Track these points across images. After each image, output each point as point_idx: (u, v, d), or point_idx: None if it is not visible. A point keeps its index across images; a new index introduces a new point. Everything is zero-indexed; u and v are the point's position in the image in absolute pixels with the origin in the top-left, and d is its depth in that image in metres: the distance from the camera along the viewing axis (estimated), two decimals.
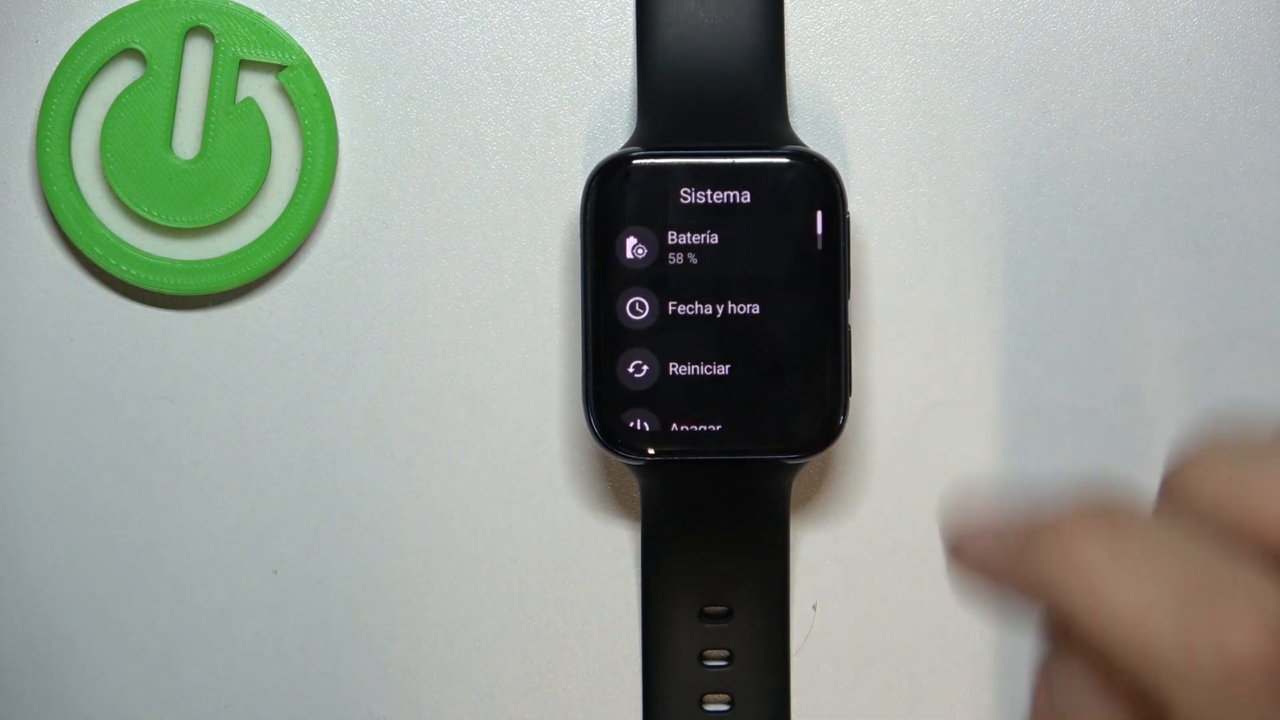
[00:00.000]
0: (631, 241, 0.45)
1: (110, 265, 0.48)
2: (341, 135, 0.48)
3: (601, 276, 0.45)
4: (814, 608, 0.49)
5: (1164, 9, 0.48)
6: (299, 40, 0.48)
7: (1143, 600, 0.33)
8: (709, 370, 0.45)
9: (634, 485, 0.48)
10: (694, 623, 0.47)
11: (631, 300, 0.45)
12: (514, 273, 0.49)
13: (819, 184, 0.45)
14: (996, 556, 0.35)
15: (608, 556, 0.49)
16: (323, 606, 0.49)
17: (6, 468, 0.49)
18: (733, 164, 0.45)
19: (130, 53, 0.48)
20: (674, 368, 0.45)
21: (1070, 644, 0.33)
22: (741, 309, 0.45)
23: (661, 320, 0.45)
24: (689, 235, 0.45)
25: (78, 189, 0.48)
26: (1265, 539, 0.33)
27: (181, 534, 0.49)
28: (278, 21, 0.48)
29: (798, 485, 0.48)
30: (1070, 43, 0.48)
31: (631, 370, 0.45)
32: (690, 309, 0.45)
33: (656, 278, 0.45)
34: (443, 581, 0.49)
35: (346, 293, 0.49)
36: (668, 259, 0.45)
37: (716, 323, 0.45)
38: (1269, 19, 0.48)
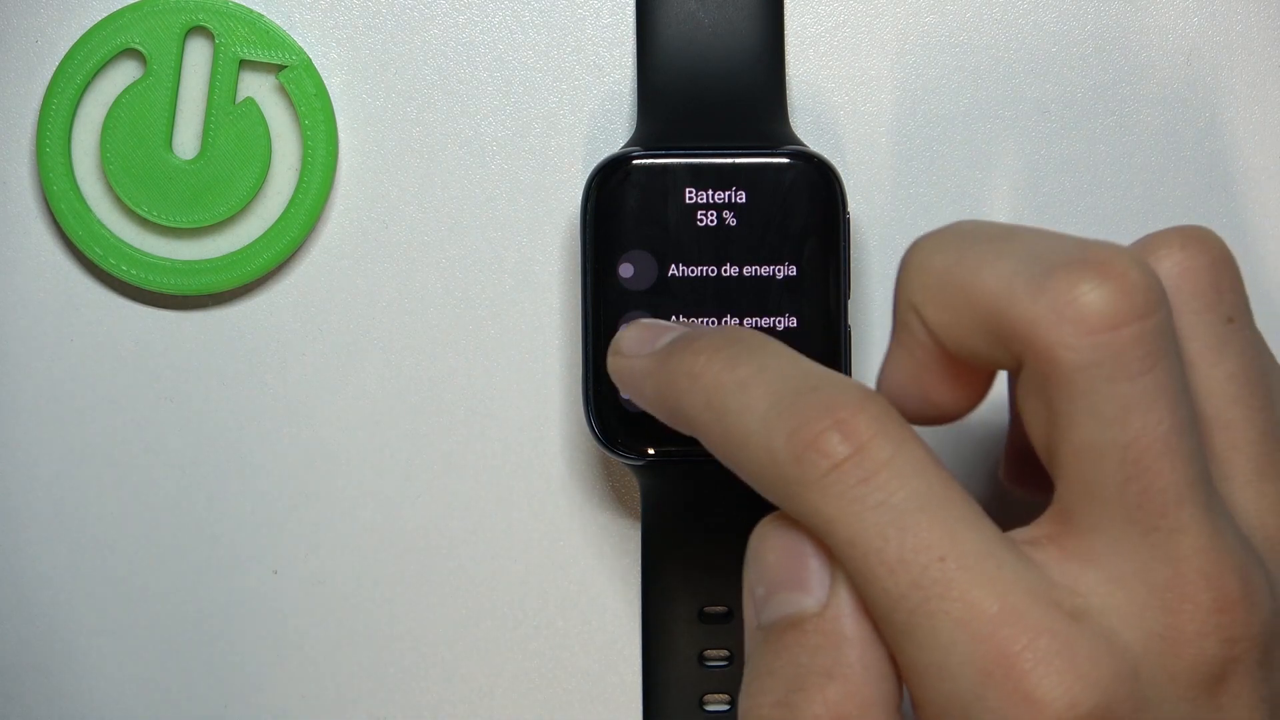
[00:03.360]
0: (633, 241, 0.45)
1: (110, 265, 0.48)
2: (341, 135, 0.48)
3: (602, 276, 0.45)
4: None
5: (1164, 9, 0.48)
6: (299, 40, 0.48)
7: (742, 413, 0.36)
8: None
9: (634, 485, 0.48)
10: (694, 623, 0.47)
11: (631, 303, 0.45)
12: (514, 273, 0.49)
13: (819, 184, 0.45)
14: (641, 361, 0.40)
15: (608, 557, 0.49)
16: (323, 606, 0.49)
17: (6, 468, 0.49)
18: (733, 164, 0.45)
19: (130, 53, 0.48)
20: None
21: None
22: (742, 309, 0.45)
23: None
24: (690, 234, 0.45)
25: (78, 189, 0.48)
26: (979, 311, 0.35)
27: (181, 534, 0.49)
28: (278, 21, 0.48)
29: None
30: (1070, 43, 0.48)
31: None
32: (691, 311, 0.45)
33: (658, 277, 0.45)
34: (443, 581, 0.49)
35: (346, 293, 0.49)
36: (669, 259, 0.45)
37: (717, 322, 0.45)
38: (1269, 19, 0.48)
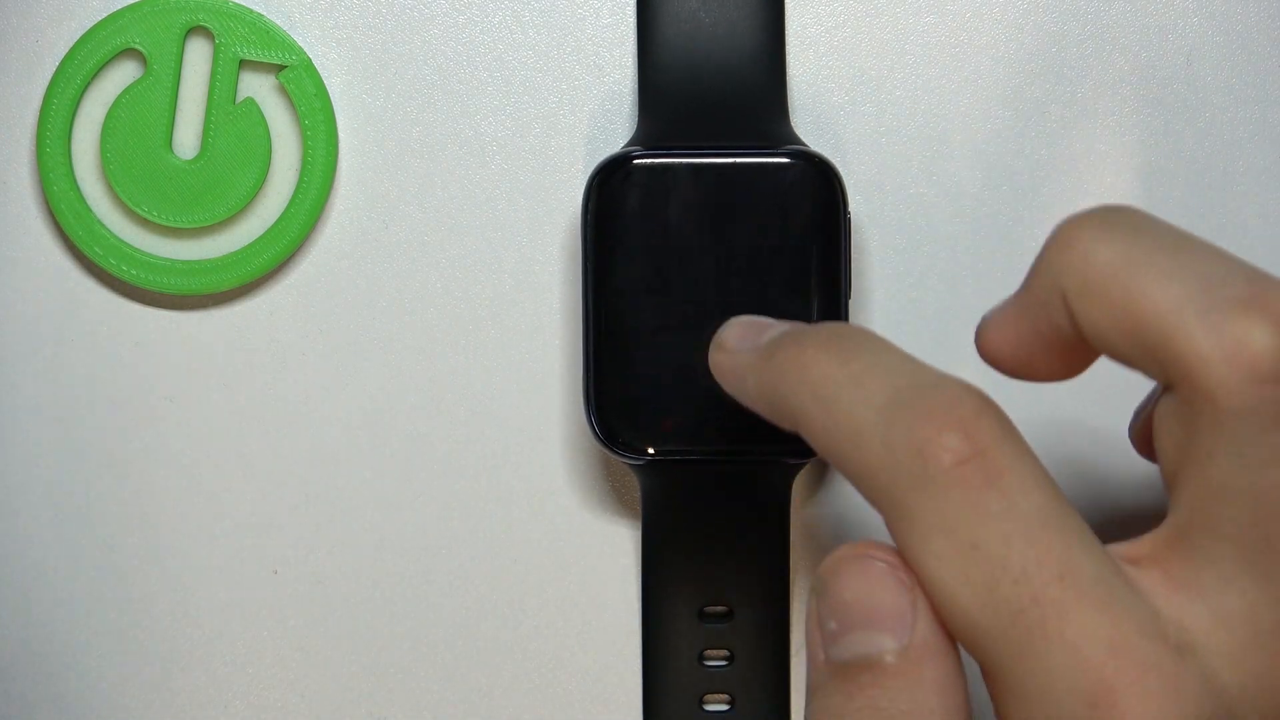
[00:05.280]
0: (634, 241, 0.45)
1: (110, 265, 0.48)
2: (341, 135, 0.48)
3: (602, 275, 0.45)
4: None
5: (1164, 9, 0.48)
6: (299, 40, 0.48)
7: (856, 405, 0.35)
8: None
9: (634, 485, 0.48)
10: (694, 623, 0.47)
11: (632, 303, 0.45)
12: (514, 273, 0.49)
13: (819, 184, 0.45)
14: (746, 355, 0.38)
15: (608, 556, 0.49)
16: (323, 606, 0.49)
17: (6, 468, 0.49)
18: (734, 164, 0.45)
19: (130, 53, 0.48)
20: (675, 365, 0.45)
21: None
22: (743, 308, 0.45)
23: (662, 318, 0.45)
24: (690, 235, 0.45)
25: (78, 189, 0.48)
26: (1140, 326, 0.34)
27: (181, 534, 0.49)
28: (278, 21, 0.48)
29: (798, 485, 0.48)
30: (1070, 43, 0.48)
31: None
32: (693, 311, 0.45)
33: (660, 276, 0.45)
34: (443, 581, 0.49)
35: (346, 293, 0.49)
36: (670, 259, 0.45)
37: (718, 322, 0.45)
38: (1269, 19, 0.48)
